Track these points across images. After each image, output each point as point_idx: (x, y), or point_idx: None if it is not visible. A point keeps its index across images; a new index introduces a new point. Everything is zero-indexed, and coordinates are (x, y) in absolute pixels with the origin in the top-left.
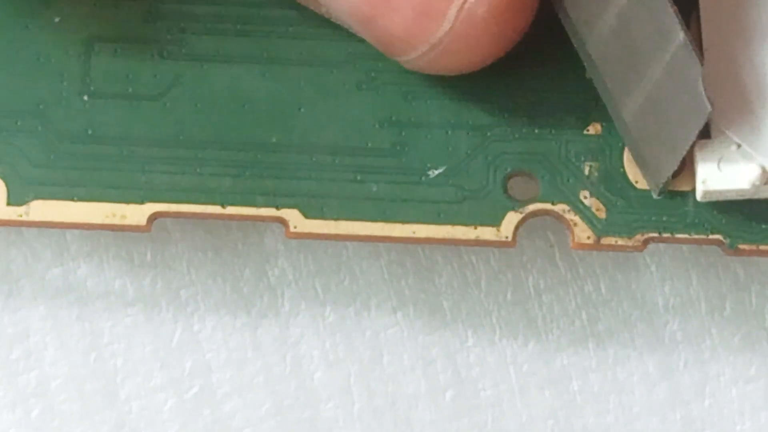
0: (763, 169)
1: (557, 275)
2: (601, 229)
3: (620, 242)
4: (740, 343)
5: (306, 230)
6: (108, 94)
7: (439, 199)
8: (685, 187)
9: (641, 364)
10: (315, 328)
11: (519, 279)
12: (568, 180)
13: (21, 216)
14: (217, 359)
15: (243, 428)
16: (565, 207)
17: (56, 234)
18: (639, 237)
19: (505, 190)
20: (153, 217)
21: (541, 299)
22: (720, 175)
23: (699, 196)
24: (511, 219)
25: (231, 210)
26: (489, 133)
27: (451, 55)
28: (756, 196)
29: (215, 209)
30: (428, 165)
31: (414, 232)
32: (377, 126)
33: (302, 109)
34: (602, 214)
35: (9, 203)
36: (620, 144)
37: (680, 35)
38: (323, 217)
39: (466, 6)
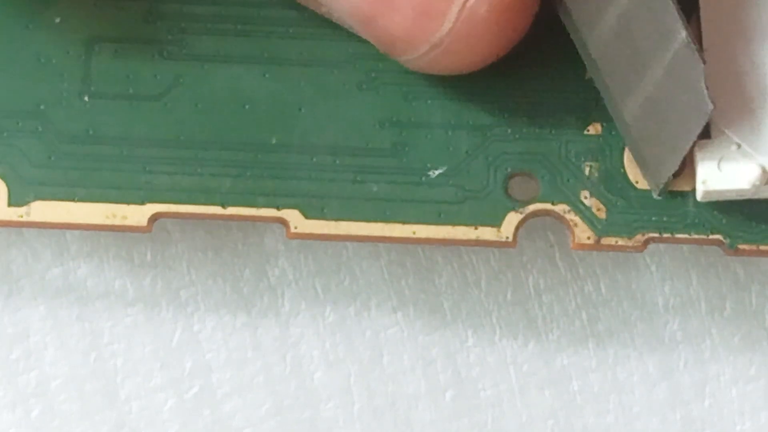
0: (763, 169)
1: (557, 275)
2: (601, 229)
3: (620, 242)
4: (740, 343)
5: (307, 231)
6: (108, 94)
7: (439, 199)
8: (686, 188)
9: (641, 364)
10: (315, 328)
11: (519, 279)
12: (568, 180)
13: (22, 217)
14: (217, 359)
15: (243, 428)
16: (566, 207)
17: (56, 234)
18: (639, 237)
19: (506, 191)
20: (154, 218)
21: (541, 299)
22: (720, 175)
23: (699, 197)
24: (512, 219)
25: (231, 210)
26: (489, 134)
27: (452, 55)
28: (756, 196)
29: (216, 210)
30: (428, 165)
31: (414, 233)
32: (377, 126)
33: (303, 110)
34: (602, 215)
35: (10, 204)
36: (620, 144)
37: (682, 34)
38: (324, 217)
39: (467, 6)
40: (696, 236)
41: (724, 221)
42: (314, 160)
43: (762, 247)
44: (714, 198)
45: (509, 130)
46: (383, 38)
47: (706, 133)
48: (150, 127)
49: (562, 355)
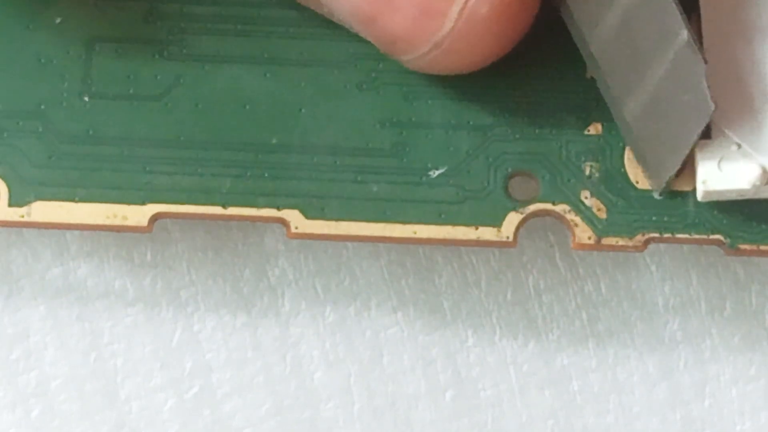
0: (764, 169)
1: (557, 275)
2: (601, 229)
3: (621, 242)
4: (740, 343)
5: (307, 231)
6: (109, 94)
7: (439, 199)
8: (686, 188)
9: (641, 364)
10: (315, 328)
11: (519, 279)
12: (568, 180)
13: (23, 217)
14: (217, 359)
15: (243, 428)
16: (566, 207)
17: (56, 234)
18: (640, 237)
19: (506, 191)
20: (154, 218)
21: (541, 299)
22: (720, 176)
23: (699, 197)
24: (512, 219)
25: (232, 211)
26: (490, 134)
27: (453, 54)
28: (756, 196)
29: (216, 210)
30: (429, 165)
31: (415, 233)
32: (378, 126)
33: (303, 110)
34: (603, 215)
35: (10, 204)
36: (621, 144)
37: (683, 34)
38: (324, 217)
39: (468, 6)
40: (696, 236)
41: (724, 221)
42: (315, 160)
43: (762, 247)
44: (714, 198)
45: (509, 130)
46: (384, 38)
47: (706, 134)
48: (150, 127)
49: (562, 355)
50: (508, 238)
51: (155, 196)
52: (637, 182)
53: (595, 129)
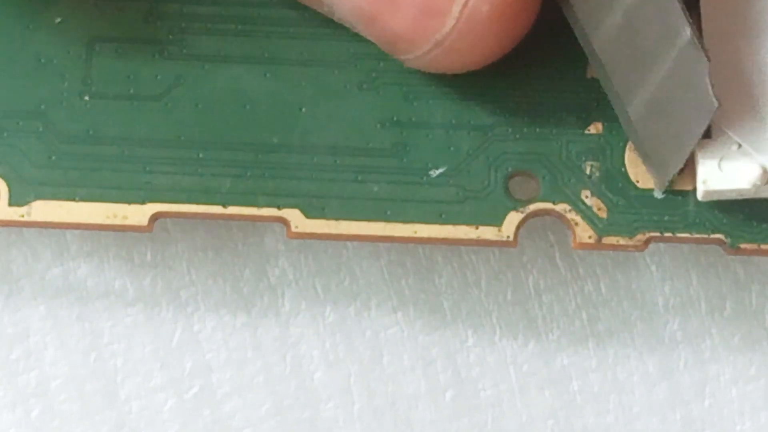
0: (764, 168)
1: (557, 275)
2: (602, 228)
3: (622, 242)
4: (740, 343)
5: (307, 230)
6: (109, 94)
7: (440, 199)
8: (686, 187)
9: (641, 364)
10: (315, 328)
11: (519, 279)
12: (569, 180)
13: (23, 216)
14: (217, 359)
15: (243, 428)
16: (567, 207)
17: (56, 234)
18: (640, 237)
19: (506, 190)
20: (154, 218)
21: (541, 299)
22: (721, 175)
23: (700, 196)
24: (513, 219)
25: (232, 210)
26: (490, 133)
27: (454, 53)
28: (757, 196)
29: (217, 209)
30: (429, 165)
31: (415, 232)
32: (378, 126)
33: (303, 109)
34: (603, 214)
35: (11, 204)
36: (621, 143)
37: (687, 32)
38: (324, 217)
39: (469, 5)
40: (697, 235)
41: (725, 221)
42: (315, 159)
43: (763, 246)
44: (715, 198)
45: (510, 130)
46: (385, 37)
47: (706, 133)
48: (150, 127)
49: (562, 355)
50: (508, 237)
51: (155, 195)
52: (638, 181)
53: (595, 128)
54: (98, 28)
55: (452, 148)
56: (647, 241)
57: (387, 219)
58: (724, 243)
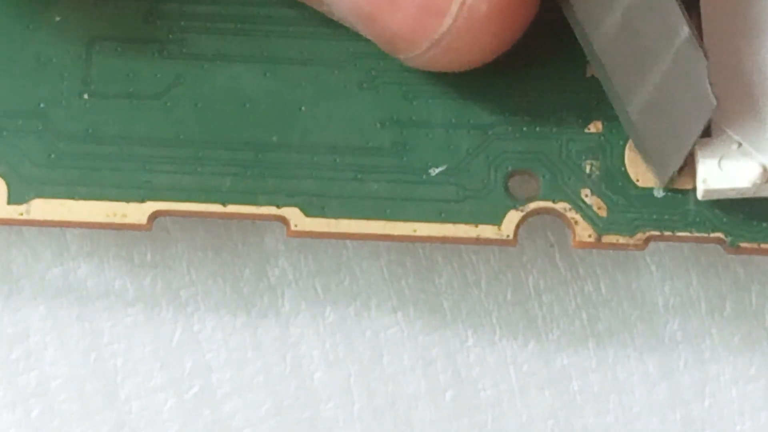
0: (764, 167)
1: (557, 275)
2: (602, 227)
3: (621, 240)
4: (740, 343)
5: (307, 229)
6: (109, 93)
7: (439, 197)
8: (686, 186)
9: (641, 364)
10: (315, 328)
11: (519, 279)
12: (569, 178)
13: (22, 215)
14: (217, 359)
15: (243, 428)
16: (566, 205)
17: (56, 234)
18: (640, 235)
19: (506, 189)
20: (153, 216)
21: (541, 299)
22: (721, 174)
23: (700, 195)
24: (512, 217)
25: (232, 208)
26: (490, 132)
27: (453, 51)
28: (757, 195)
29: (216, 208)
30: (429, 164)
31: (415, 231)
32: (378, 125)
33: (303, 108)
34: (603, 213)
35: (10, 202)
36: (621, 142)
37: (685, 30)
38: (324, 215)
39: (468, 3)
40: (697, 234)
41: (725, 219)
42: (314, 158)
43: (763, 245)
44: (715, 197)
45: (509, 129)
46: (384, 36)
47: (706, 132)
48: (150, 126)
49: (562, 355)
50: (508, 236)
51: (155, 194)
52: (638, 180)
53: (595, 127)
54: (98, 27)
55: (452, 147)
56: (647, 240)
57: (386, 218)
58: (724, 242)
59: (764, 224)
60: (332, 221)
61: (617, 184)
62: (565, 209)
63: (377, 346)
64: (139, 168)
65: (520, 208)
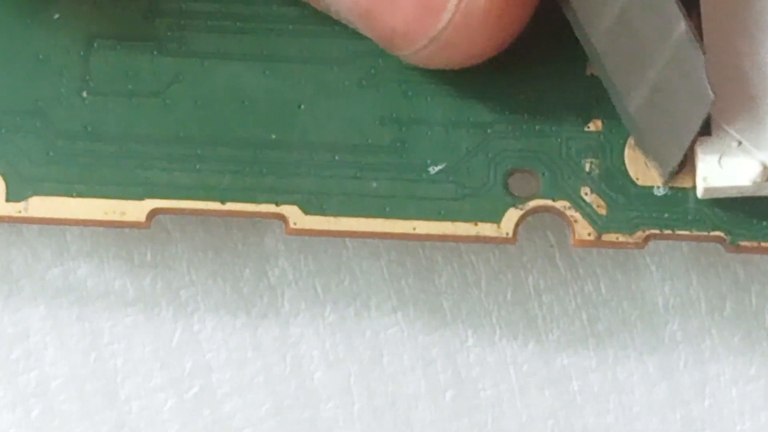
0: (764, 166)
1: (557, 275)
2: (602, 225)
3: (621, 239)
4: (740, 343)
5: (306, 226)
6: (107, 91)
7: (439, 195)
8: (687, 184)
9: (641, 364)
10: (315, 328)
11: (519, 279)
12: (568, 177)
13: (20, 212)
14: (217, 359)
15: (243, 428)
16: (566, 204)
17: (56, 234)
18: (640, 234)
19: (506, 187)
20: (152, 214)
21: (541, 299)
22: (721, 172)
23: (700, 194)
24: (512, 216)
25: (231, 206)
26: (489, 130)
27: (451, 48)
28: (757, 193)
29: (215, 206)
30: (429, 162)
31: (414, 229)
32: (377, 123)
33: (302, 107)
34: (603, 211)
35: (8, 199)
36: (621, 141)
37: (682, 25)
38: (323, 213)
39: None
40: (697, 233)
41: (725, 218)
42: (314, 156)
43: (763, 244)
44: (715, 195)
45: (509, 127)
46: (382, 33)
47: (706, 130)
48: (149, 123)
49: (562, 355)
50: (507, 234)
51: (154, 191)
52: (638, 179)
53: (595, 126)
54: (97, 24)
55: (452, 145)
56: (647, 239)
57: (386, 216)
58: (724, 240)
59: (764, 223)
60: (331, 219)
61: (617, 182)
62: (564, 207)
63: (377, 346)
64: (137, 166)
65: (520, 206)
